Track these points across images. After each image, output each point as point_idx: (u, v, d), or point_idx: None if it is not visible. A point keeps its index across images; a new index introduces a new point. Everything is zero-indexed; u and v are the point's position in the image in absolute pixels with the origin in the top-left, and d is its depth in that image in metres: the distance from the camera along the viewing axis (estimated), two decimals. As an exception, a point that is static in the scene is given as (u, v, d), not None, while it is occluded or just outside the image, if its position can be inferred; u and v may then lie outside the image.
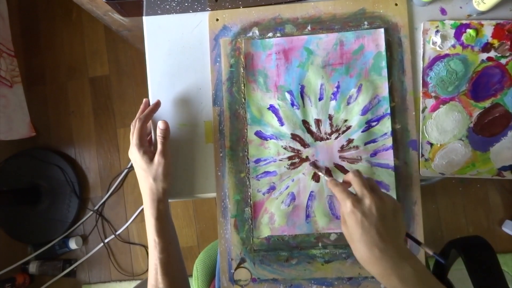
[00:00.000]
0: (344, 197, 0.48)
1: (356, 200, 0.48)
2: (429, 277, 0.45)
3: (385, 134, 0.61)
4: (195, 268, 0.84)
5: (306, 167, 0.62)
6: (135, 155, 0.57)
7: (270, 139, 0.62)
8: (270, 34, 0.63)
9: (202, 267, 0.83)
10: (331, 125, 0.62)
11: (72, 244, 1.50)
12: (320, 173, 0.60)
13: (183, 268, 0.59)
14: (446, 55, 0.61)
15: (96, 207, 1.54)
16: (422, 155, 0.61)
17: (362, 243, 0.46)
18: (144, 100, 0.64)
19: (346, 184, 0.52)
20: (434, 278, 0.46)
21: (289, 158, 0.62)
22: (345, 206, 0.48)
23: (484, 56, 0.60)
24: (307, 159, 0.62)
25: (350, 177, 0.51)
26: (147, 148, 0.58)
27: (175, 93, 0.65)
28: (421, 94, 0.61)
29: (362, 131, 0.61)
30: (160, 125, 0.59)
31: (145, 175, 0.57)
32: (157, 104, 0.63)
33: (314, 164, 0.61)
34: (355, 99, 0.61)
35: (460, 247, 0.67)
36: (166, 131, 0.59)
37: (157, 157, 0.57)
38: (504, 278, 0.63)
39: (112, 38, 1.59)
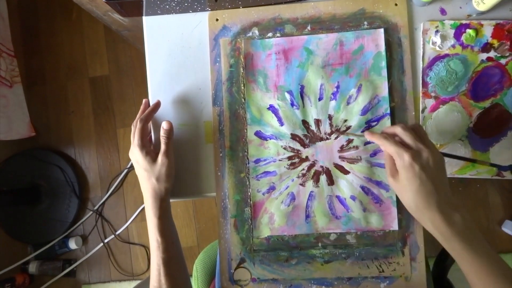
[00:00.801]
0: (401, 151, 0.49)
1: (415, 153, 0.48)
2: (474, 228, 0.48)
3: (385, 134, 0.61)
4: (195, 268, 0.84)
5: (306, 167, 0.62)
6: (137, 156, 0.57)
7: (270, 139, 0.62)
8: (270, 34, 0.63)
9: (202, 267, 0.83)
10: (331, 125, 0.62)
11: (72, 244, 1.50)
12: (352, 136, 0.60)
13: (185, 268, 0.59)
14: (446, 55, 0.61)
15: (96, 207, 1.54)
16: (422, 155, 0.61)
17: (418, 194, 0.48)
18: (144, 100, 0.64)
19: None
20: (479, 231, 0.48)
21: (289, 158, 0.62)
22: (402, 159, 0.49)
23: (484, 56, 0.60)
24: (306, 159, 0.62)
25: (397, 130, 0.51)
26: (149, 148, 0.58)
27: (175, 93, 0.65)
28: (420, 94, 0.61)
29: (362, 131, 0.61)
30: (164, 125, 0.59)
31: (148, 175, 0.57)
32: (157, 105, 0.63)
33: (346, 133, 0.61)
34: (355, 99, 0.61)
35: None
36: (170, 131, 0.59)
37: (161, 157, 0.57)
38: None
39: (112, 38, 1.59)
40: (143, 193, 0.58)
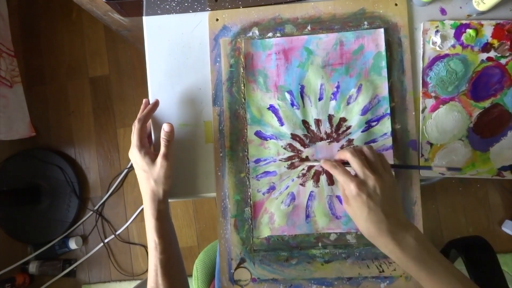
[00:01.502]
0: (347, 180, 0.49)
1: (360, 182, 0.49)
2: (428, 246, 0.48)
3: (385, 134, 0.61)
4: (195, 268, 0.84)
5: (306, 167, 0.62)
6: (136, 156, 0.57)
7: (270, 139, 0.62)
8: (270, 34, 0.63)
9: (202, 268, 0.83)
10: (331, 125, 0.62)
11: (72, 244, 1.50)
12: (311, 163, 0.61)
13: (183, 269, 0.59)
14: (446, 55, 0.61)
15: (96, 207, 1.54)
16: (422, 155, 0.61)
17: (368, 222, 0.48)
18: (144, 100, 0.64)
19: (340, 163, 0.53)
20: (433, 247, 0.48)
21: (289, 158, 0.62)
22: (349, 189, 0.49)
23: (484, 56, 0.60)
24: (307, 159, 0.62)
25: (347, 156, 0.51)
26: (148, 149, 0.58)
27: (175, 93, 0.65)
28: (421, 94, 0.61)
29: (362, 131, 0.61)
30: (165, 127, 0.58)
31: (147, 176, 0.57)
32: (156, 104, 0.62)
33: (303, 160, 0.62)
34: (355, 99, 0.61)
35: (460, 247, 0.67)
36: (171, 133, 0.59)
37: (160, 160, 0.56)
38: (504, 278, 0.63)
39: (112, 38, 1.59)
40: (142, 193, 0.58)
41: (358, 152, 0.51)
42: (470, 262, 0.64)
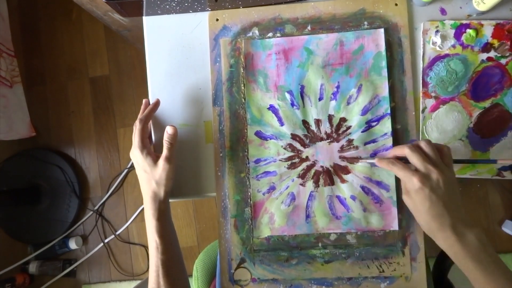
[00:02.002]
0: (409, 174, 0.49)
1: (423, 176, 0.48)
2: (489, 247, 0.47)
3: (385, 134, 0.61)
4: (195, 268, 0.84)
5: (306, 167, 0.62)
6: (137, 157, 0.57)
7: (270, 139, 0.62)
8: (270, 34, 0.63)
9: (202, 268, 0.83)
10: (331, 125, 0.62)
11: (72, 244, 1.50)
12: (366, 161, 0.60)
13: (184, 269, 0.59)
14: (446, 55, 0.61)
15: (96, 207, 1.54)
16: (422, 155, 0.61)
17: (429, 215, 0.48)
18: (144, 100, 0.64)
19: (396, 159, 0.53)
20: (494, 250, 0.48)
21: (289, 158, 0.62)
22: (412, 183, 0.49)
23: (484, 56, 0.60)
24: (307, 159, 0.62)
25: (405, 151, 0.51)
26: (150, 149, 0.58)
27: (175, 93, 0.65)
28: (421, 94, 0.61)
29: (362, 131, 0.61)
30: (169, 130, 0.58)
31: (148, 177, 0.57)
32: (157, 104, 0.62)
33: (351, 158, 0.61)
34: (355, 99, 0.61)
35: None
36: (174, 136, 0.58)
37: (162, 162, 0.56)
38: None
39: (112, 38, 1.59)
40: (142, 194, 0.58)
41: (416, 147, 0.51)
42: None
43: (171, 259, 0.56)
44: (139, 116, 0.60)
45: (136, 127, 0.58)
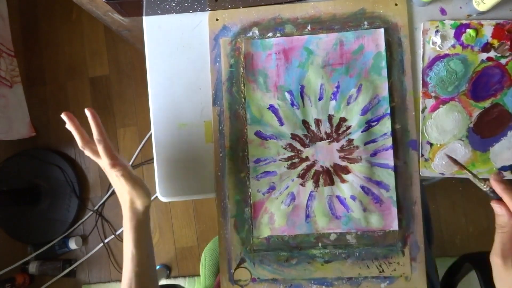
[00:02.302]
0: None
1: None
2: None
3: (385, 134, 0.61)
4: (203, 257, 0.85)
5: (306, 167, 0.62)
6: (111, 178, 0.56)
7: (270, 139, 0.62)
8: (270, 34, 0.63)
9: (210, 256, 0.84)
10: (331, 125, 0.62)
11: (72, 244, 1.50)
12: (476, 181, 0.50)
13: (157, 283, 0.58)
14: (446, 55, 0.61)
15: (96, 207, 1.54)
16: (422, 155, 0.61)
17: None
18: (88, 112, 0.57)
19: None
20: None
21: (289, 158, 0.62)
22: None
23: (484, 56, 0.60)
24: (307, 159, 0.62)
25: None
26: (116, 162, 0.53)
27: (175, 93, 0.65)
28: (421, 94, 0.61)
29: (362, 131, 0.61)
30: (88, 114, 0.53)
31: (120, 191, 0.55)
32: (94, 115, 0.56)
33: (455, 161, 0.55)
34: (355, 99, 0.61)
35: (477, 262, 0.64)
36: (102, 134, 0.52)
37: (114, 172, 0.51)
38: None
39: (112, 38, 1.59)
40: (121, 203, 0.56)
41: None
42: (486, 279, 0.61)
43: (145, 272, 0.54)
44: (97, 137, 0.54)
45: (100, 148, 0.52)
